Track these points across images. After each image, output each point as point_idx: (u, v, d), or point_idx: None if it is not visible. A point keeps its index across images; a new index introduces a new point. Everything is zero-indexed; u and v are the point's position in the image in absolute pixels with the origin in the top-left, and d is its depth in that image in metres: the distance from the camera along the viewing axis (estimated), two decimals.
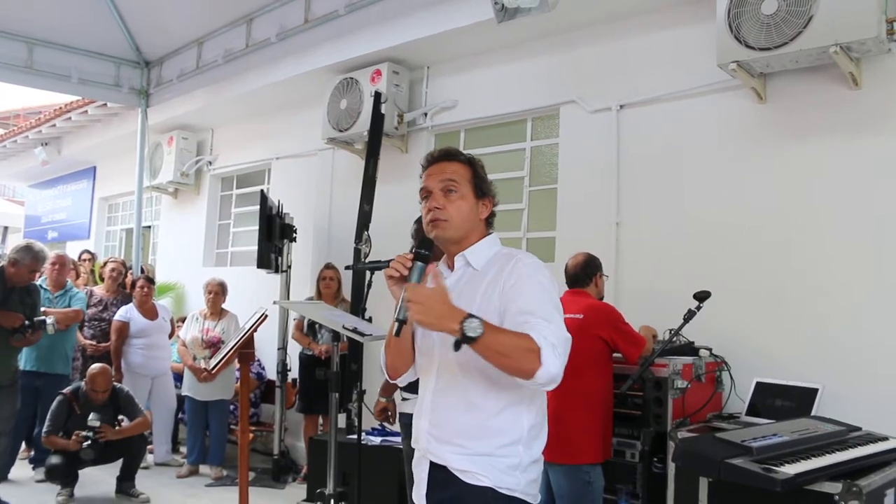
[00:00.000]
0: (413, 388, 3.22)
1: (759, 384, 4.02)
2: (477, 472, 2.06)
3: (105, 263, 7.46)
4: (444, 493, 2.12)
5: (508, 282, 2.10)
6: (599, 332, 3.90)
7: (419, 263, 2.04)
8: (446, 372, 2.16)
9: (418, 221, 3.22)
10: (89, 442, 5.38)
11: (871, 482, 2.91)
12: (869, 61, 4.07)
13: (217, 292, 6.79)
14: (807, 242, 4.26)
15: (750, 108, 4.55)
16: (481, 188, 2.25)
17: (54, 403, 5.58)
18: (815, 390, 3.78)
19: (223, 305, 6.85)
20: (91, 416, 5.49)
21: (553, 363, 1.91)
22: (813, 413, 3.68)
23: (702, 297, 3.83)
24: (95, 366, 5.75)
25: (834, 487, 2.86)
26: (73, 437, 5.40)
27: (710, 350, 4.27)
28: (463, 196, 2.21)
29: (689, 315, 3.83)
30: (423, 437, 2.18)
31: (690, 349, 4.26)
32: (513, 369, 1.94)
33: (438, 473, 2.14)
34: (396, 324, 2.02)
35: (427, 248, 2.07)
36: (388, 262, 2.14)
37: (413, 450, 2.27)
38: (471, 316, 1.88)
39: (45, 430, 5.53)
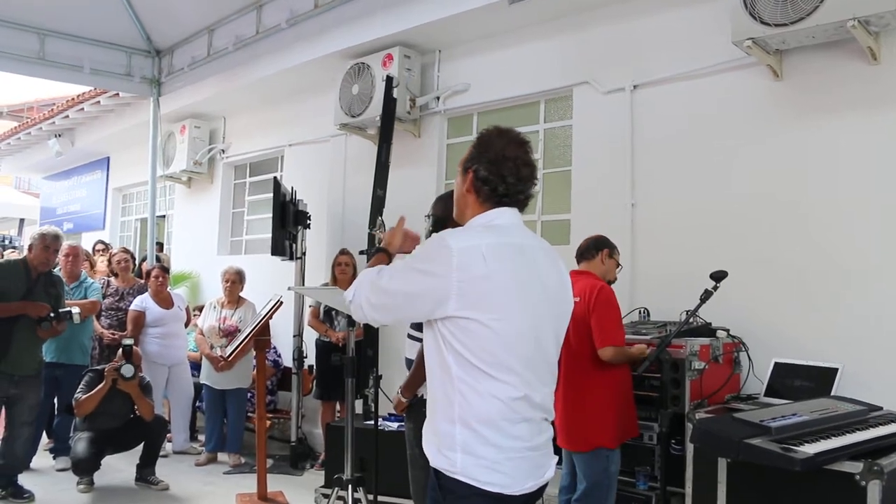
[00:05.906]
0: None
1: (777, 364, 3.98)
2: (426, 449, 2.10)
3: (110, 257, 7.49)
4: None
5: None
6: (589, 317, 3.82)
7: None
8: None
9: (440, 198, 3.23)
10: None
11: (893, 461, 2.88)
12: (888, 35, 4.00)
13: (234, 280, 6.75)
14: (825, 221, 4.21)
15: (766, 86, 4.49)
16: (464, 166, 2.17)
17: (85, 377, 5.66)
18: (835, 370, 3.74)
19: (241, 294, 6.85)
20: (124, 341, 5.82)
21: (347, 293, 2.36)
22: (833, 393, 3.65)
23: (718, 277, 3.79)
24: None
25: (854, 467, 2.84)
26: (108, 369, 5.54)
27: (727, 331, 4.24)
28: (455, 184, 2.21)
29: (706, 295, 3.80)
30: None
31: (707, 330, 4.22)
32: None
33: None
34: None
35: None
36: None
37: None
38: (383, 249, 2.52)
39: (76, 396, 5.56)
